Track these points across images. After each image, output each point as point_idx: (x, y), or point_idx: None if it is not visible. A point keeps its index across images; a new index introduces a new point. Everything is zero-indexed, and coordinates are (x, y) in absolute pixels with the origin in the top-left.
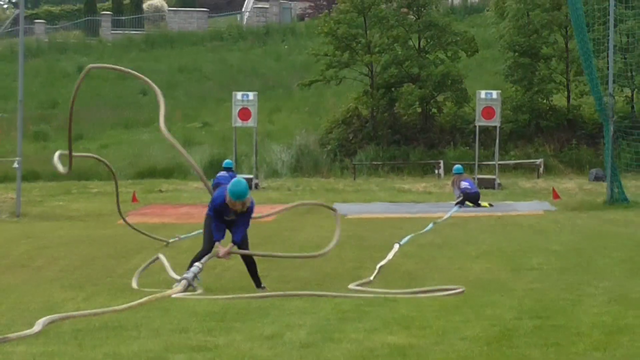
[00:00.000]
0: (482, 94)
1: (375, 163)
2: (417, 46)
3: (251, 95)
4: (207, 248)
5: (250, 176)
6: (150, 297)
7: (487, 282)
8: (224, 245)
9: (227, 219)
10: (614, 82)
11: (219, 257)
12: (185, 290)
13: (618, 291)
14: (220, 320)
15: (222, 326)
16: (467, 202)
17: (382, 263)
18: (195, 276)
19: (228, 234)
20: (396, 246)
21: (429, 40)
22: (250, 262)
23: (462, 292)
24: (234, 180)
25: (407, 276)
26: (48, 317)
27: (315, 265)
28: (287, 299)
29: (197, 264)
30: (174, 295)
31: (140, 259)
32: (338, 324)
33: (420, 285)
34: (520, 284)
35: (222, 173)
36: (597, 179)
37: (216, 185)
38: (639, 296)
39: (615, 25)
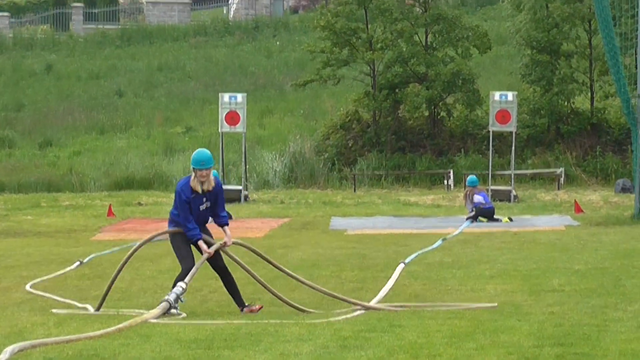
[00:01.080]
0: (496, 95)
1: (377, 173)
2: (424, 42)
3: (239, 96)
4: (187, 268)
5: (239, 187)
6: (129, 322)
7: (502, 306)
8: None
9: (202, 208)
10: None
11: (221, 247)
12: (165, 313)
13: None
14: (207, 348)
15: (209, 354)
16: (480, 218)
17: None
18: (178, 298)
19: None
20: (401, 265)
21: (437, 36)
22: (229, 279)
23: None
24: (196, 151)
25: (413, 299)
26: (16, 344)
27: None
28: (281, 324)
29: (180, 283)
30: (153, 320)
31: (117, 280)
32: (338, 352)
33: (429, 309)
34: (539, 308)
35: None
36: (625, 190)
37: None
38: None
39: None
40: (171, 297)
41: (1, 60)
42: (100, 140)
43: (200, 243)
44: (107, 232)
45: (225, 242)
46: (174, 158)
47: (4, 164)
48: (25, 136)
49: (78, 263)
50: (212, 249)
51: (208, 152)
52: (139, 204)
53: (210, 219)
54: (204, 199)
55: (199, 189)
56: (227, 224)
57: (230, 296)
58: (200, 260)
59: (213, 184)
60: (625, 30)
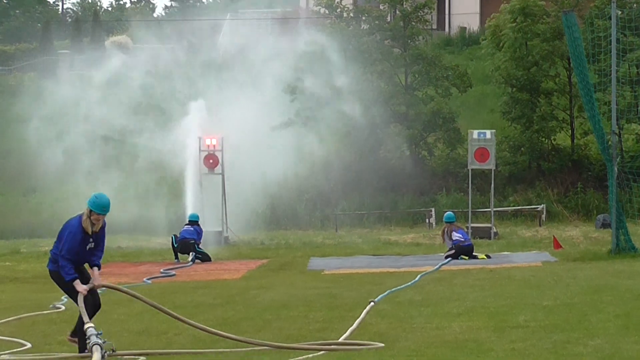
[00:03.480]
0: (475, 133)
1: (359, 213)
2: (404, 82)
3: (215, 140)
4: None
5: (219, 229)
6: None
7: (464, 343)
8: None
9: (88, 247)
10: (621, 117)
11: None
12: (104, 354)
13: (608, 350)
14: None
15: None
16: (461, 256)
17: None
18: (97, 335)
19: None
20: (370, 304)
21: (417, 76)
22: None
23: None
24: (94, 195)
25: (377, 337)
26: None
27: (278, 326)
28: None
29: (85, 327)
30: None
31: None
32: None
33: (390, 347)
34: (501, 344)
35: (187, 227)
36: (605, 225)
37: (182, 242)
38: (630, 354)
39: (623, 55)
40: (93, 340)
41: None
42: (85, 185)
43: (76, 283)
44: None
45: (94, 284)
46: (156, 202)
47: None
48: (10, 183)
49: (52, 306)
50: (86, 288)
51: (107, 196)
52: (120, 247)
53: None
54: (91, 240)
55: (89, 230)
56: (99, 265)
57: (199, 340)
58: (79, 299)
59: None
60: (604, 66)
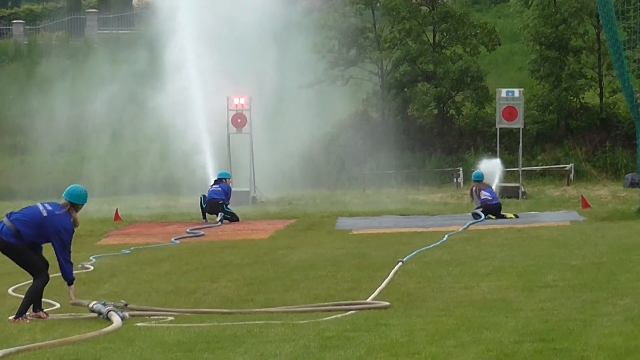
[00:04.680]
0: (503, 92)
1: (387, 172)
2: (431, 40)
3: (244, 99)
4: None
5: (247, 189)
6: (110, 327)
7: (492, 302)
8: None
9: None
10: None
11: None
12: (123, 315)
13: (637, 309)
14: (188, 350)
15: (189, 357)
16: (489, 215)
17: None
18: (104, 304)
19: None
20: (399, 264)
21: (445, 34)
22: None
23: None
24: (74, 189)
25: (405, 297)
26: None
27: (306, 286)
28: (267, 325)
29: (90, 305)
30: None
31: (112, 284)
32: (319, 352)
33: (419, 307)
34: (530, 304)
35: (214, 187)
36: (633, 184)
37: (210, 202)
38: None
39: None
40: (104, 310)
41: (16, 67)
42: (112, 146)
43: (71, 288)
44: (112, 236)
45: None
46: (184, 162)
47: (16, 171)
48: (38, 143)
49: (80, 267)
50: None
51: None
52: (147, 207)
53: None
54: None
55: (78, 224)
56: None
57: (229, 299)
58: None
59: None
60: (634, 23)
